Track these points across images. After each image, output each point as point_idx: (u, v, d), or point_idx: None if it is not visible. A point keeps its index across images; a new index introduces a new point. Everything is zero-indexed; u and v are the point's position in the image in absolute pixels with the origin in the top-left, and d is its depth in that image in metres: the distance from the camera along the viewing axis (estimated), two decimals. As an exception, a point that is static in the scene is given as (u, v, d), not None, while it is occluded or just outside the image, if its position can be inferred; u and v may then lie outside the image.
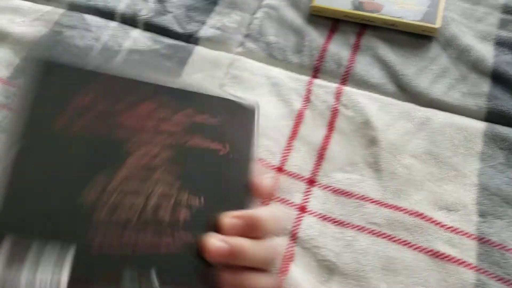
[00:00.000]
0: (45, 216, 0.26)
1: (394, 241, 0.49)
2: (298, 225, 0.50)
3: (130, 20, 0.66)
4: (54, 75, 0.28)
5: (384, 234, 0.50)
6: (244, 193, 0.33)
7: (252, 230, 0.31)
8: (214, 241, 0.30)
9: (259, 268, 0.31)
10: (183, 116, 0.31)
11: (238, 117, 0.34)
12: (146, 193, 0.29)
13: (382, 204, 0.51)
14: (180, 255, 0.29)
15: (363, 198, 0.52)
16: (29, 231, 0.26)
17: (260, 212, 0.32)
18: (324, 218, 0.51)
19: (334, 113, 0.58)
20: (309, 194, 0.53)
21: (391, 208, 0.51)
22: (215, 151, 0.32)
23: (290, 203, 0.52)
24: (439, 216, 0.50)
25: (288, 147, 0.56)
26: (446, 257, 0.47)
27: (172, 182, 0.30)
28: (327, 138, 0.56)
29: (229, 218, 0.31)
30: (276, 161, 0.55)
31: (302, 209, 0.52)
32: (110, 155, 0.29)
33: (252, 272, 0.30)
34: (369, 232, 0.50)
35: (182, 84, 0.32)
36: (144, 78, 0.31)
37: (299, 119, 0.58)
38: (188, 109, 0.32)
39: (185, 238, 0.30)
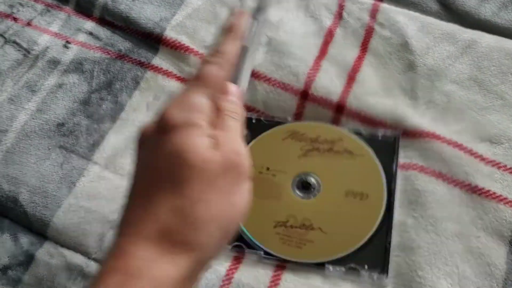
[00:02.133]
0: None
1: (426, 172, 0.45)
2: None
3: None
4: None
5: (415, 165, 0.45)
6: None
7: None
8: None
9: None
10: None
11: None
12: None
13: (415, 135, 0.47)
14: None
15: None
16: None
17: None
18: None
19: (369, 32, 0.52)
20: (338, 120, 0.49)
21: (426, 137, 0.46)
22: None
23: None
24: (481, 148, 0.45)
25: (315, 68, 0.51)
26: (484, 192, 0.43)
27: None
28: (359, 59, 0.51)
29: None
30: (300, 84, 0.50)
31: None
32: None
33: None
34: (399, 167, 0.46)
35: None
36: None
37: (328, 37, 0.52)
38: None
39: None
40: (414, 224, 0.43)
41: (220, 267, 0.42)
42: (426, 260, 0.41)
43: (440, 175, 0.44)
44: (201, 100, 0.33)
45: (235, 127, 0.33)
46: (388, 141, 0.47)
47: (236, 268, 0.42)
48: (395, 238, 0.42)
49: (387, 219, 0.43)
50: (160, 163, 0.31)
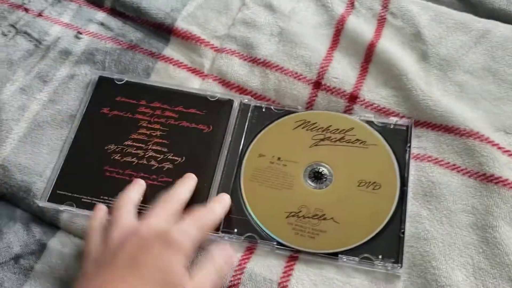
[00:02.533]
0: None
1: (441, 164, 0.44)
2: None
3: None
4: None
5: (429, 157, 0.45)
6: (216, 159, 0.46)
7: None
8: None
9: None
10: (175, 110, 0.49)
11: (220, 109, 0.49)
12: (144, 150, 0.47)
13: (429, 126, 0.46)
14: (160, 188, 0.44)
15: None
16: None
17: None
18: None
19: (381, 22, 0.52)
20: (350, 110, 0.48)
21: (439, 129, 0.46)
22: (200, 130, 0.48)
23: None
24: (496, 137, 0.44)
25: (328, 58, 0.50)
26: (502, 181, 0.42)
27: (162, 147, 0.47)
28: (372, 49, 0.50)
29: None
30: (313, 74, 0.49)
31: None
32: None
33: None
34: (413, 157, 0.45)
35: (176, 87, 0.50)
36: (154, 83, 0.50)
37: (340, 26, 0.52)
38: (180, 106, 0.49)
39: (166, 180, 0.46)
40: (428, 215, 0.42)
41: (232, 257, 0.42)
42: (441, 251, 0.40)
43: (454, 167, 0.44)
44: None
45: None
46: (400, 130, 0.46)
47: (248, 258, 0.42)
48: (409, 229, 0.42)
49: (401, 209, 0.43)
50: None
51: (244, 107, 0.48)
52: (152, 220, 0.38)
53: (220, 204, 0.43)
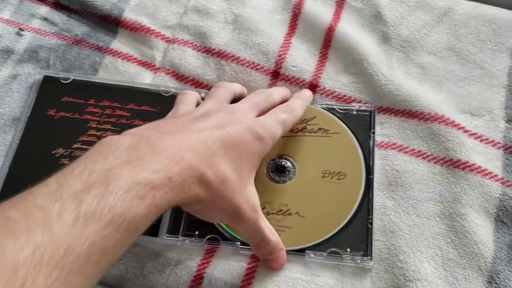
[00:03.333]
0: None
1: (406, 152, 0.43)
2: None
3: None
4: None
5: (394, 144, 0.43)
6: None
7: None
8: None
9: None
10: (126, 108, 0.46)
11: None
12: None
13: (392, 111, 0.44)
14: None
15: (371, 103, 0.45)
16: None
17: None
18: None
19: (340, 4, 0.50)
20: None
21: (403, 115, 0.44)
22: None
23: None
24: (461, 120, 0.43)
25: (286, 45, 0.48)
26: (469, 166, 0.41)
27: None
28: (330, 34, 0.48)
29: None
30: (270, 63, 0.47)
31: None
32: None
33: None
34: (377, 145, 0.43)
35: (126, 83, 0.47)
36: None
37: (298, 11, 0.50)
38: (131, 103, 0.46)
39: None
40: (394, 206, 0.41)
41: (190, 262, 0.39)
42: (408, 244, 0.39)
43: (420, 154, 0.42)
44: None
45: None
46: (363, 116, 0.44)
47: (208, 263, 0.39)
48: (375, 221, 0.40)
49: (367, 198, 0.41)
50: None
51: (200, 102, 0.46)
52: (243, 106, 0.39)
53: (300, 100, 0.43)
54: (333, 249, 0.39)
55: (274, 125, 0.38)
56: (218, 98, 0.41)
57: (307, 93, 0.44)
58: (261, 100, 0.40)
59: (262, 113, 0.39)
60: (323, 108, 0.45)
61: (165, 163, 0.30)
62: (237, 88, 0.45)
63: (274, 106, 0.41)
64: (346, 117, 0.44)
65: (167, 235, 0.41)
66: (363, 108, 0.45)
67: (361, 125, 0.44)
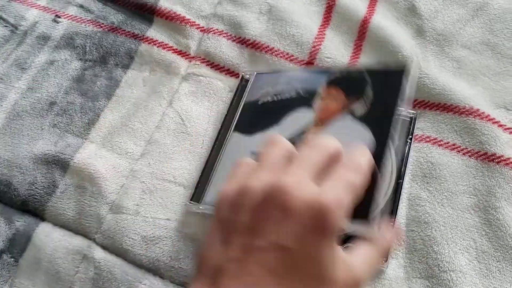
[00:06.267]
0: None
1: (440, 145, 0.43)
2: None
3: None
4: None
5: (428, 137, 0.43)
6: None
7: None
8: None
9: None
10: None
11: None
12: None
13: (427, 105, 0.44)
14: None
15: (405, 95, 0.45)
16: None
17: None
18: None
19: (374, -4, 0.50)
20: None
21: (437, 108, 0.44)
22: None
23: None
24: (496, 115, 0.43)
25: (320, 36, 0.48)
26: (504, 160, 0.40)
27: None
28: (365, 26, 0.48)
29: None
30: (305, 54, 0.47)
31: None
32: None
33: None
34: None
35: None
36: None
37: (332, 2, 0.50)
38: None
39: None
40: (429, 197, 0.40)
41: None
42: (443, 235, 0.39)
43: (454, 147, 0.42)
44: None
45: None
46: (404, 122, 0.43)
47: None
48: (410, 212, 0.40)
49: (396, 203, 0.40)
50: None
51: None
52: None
53: (362, 156, 0.33)
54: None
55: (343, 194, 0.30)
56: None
57: (365, 148, 0.34)
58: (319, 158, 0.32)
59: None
60: None
61: None
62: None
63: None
64: None
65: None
66: (404, 113, 0.43)
67: (400, 131, 0.41)
